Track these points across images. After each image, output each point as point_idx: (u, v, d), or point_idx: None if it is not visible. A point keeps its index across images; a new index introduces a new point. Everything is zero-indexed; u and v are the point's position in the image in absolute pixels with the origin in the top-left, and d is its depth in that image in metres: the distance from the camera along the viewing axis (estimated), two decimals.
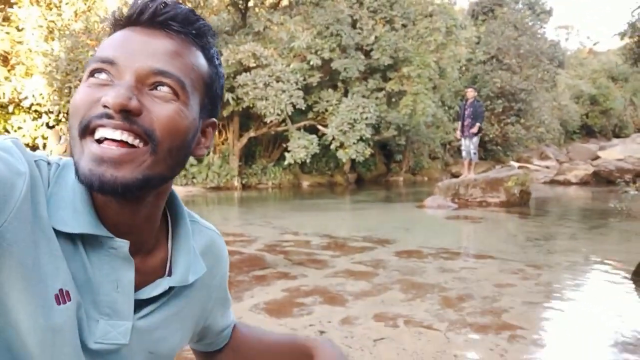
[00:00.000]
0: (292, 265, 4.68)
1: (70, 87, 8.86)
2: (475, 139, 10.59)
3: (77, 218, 0.59)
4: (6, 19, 9.66)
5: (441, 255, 5.11)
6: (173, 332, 0.71)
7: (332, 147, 12.51)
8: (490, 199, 10.07)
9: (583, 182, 15.59)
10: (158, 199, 0.65)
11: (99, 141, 0.55)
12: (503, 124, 20.27)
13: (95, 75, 0.57)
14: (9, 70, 9.39)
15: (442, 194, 10.45)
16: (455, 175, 18.96)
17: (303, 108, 12.04)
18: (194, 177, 13.29)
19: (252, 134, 13.72)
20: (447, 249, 5.49)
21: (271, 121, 11.88)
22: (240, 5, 13.40)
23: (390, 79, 13.77)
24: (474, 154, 10.64)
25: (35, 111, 10.27)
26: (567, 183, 15.89)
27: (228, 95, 12.09)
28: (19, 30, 9.66)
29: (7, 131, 9.94)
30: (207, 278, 0.75)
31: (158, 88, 0.57)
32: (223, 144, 14.10)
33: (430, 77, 13.66)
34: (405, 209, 9.54)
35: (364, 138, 12.19)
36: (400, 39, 13.13)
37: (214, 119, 0.69)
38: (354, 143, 12.08)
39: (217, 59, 0.67)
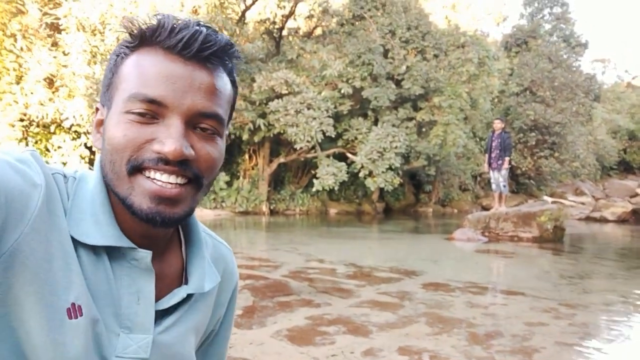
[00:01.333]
0: (317, 293, 4.62)
1: None
2: (504, 172, 10.38)
3: (100, 230, 0.59)
4: (54, 44, 10.17)
5: (470, 290, 4.96)
6: (189, 346, 0.70)
7: (361, 175, 12.49)
8: (522, 234, 9.79)
9: (621, 220, 15.00)
10: None
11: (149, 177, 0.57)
12: (536, 157, 19.87)
13: (137, 114, 0.57)
14: (53, 92, 9.82)
15: (472, 227, 10.23)
16: (486, 208, 18.59)
17: (333, 135, 12.11)
18: (223, 201, 13.44)
19: (282, 159, 13.85)
20: (476, 283, 5.33)
21: (301, 148, 11.99)
22: (274, 34, 13.74)
23: (421, 108, 13.76)
24: (504, 186, 10.42)
25: (75, 132, 10.67)
26: (603, 220, 15.32)
27: (259, 121, 12.30)
28: (65, 54, 10.15)
29: (47, 150, 10.35)
30: (214, 291, 0.74)
31: (203, 128, 0.59)
32: (253, 169, 14.26)
33: (461, 107, 13.59)
34: (433, 240, 9.37)
35: (393, 167, 12.13)
36: (431, 69, 13.15)
37: (227, 131, 0.69)
38: (382, 172, 12.03)
39: (236, 74, 0.68)
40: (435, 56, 13.59)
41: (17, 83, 9.78)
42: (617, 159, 29.95)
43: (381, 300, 4.39)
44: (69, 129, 10.34)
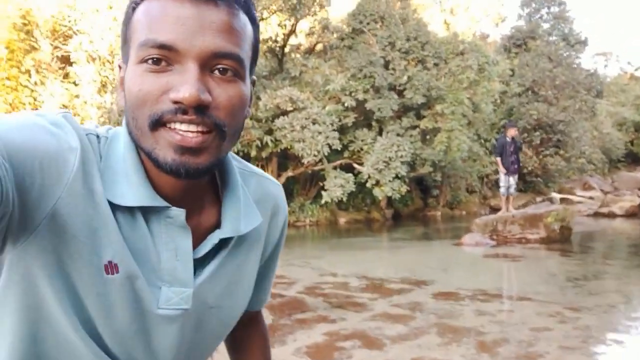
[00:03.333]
0: (332, 308, 4.86)
1: None
2: (516, 176, 10.67)
3: (133, 190, 0.60)
4: (66, 75, 10.56)
5: (478, 298, 5.18)
6: (235, 289, 0.72)
7: (368, 185, 12.72)
8: (530, 236, 9.96)
9: (629, 215, 15.09)
10: None
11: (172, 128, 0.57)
12: (542, 155, 20.00)
13: (150, 62, 0.56)
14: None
15: (480, 231, 10.41)
16: (494, 209, 18.71)
17: (339, 148, 12.37)
18: None
19: (290, 173, 14.12)
20: (485, 290, 5.54)
21: (308, 162, 12.24)
22: (277, 52, 14.07)
23: (424, 116, 14.00)
24: (514, 189, 10.69)
25: None
26: (611, 215, 15.41)
27: (267, 138, 12.59)
28: (76, 85, 10.54)
29: None
30: (262, 230, 0.75)
31: (221, 70, 0.58)
32: None
33: (464, 113, 13.81)
34: (442, 247, 9.57)
35: (399, 175, 12.36)
36: (432, 78, 13.41)
37: (254, 77, 0.69)
38: (389, 181, 12.26)
39: (255, 12, 0.65)
40: (436, 65, 13.84)
41: None
42: (624, 151, 29.90)
43: (394, 313, 4.61)
44: None
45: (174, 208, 0.62)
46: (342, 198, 12.42)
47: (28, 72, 10.07)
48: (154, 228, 0.62)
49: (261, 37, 10.52)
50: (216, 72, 0.58)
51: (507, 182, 10.57)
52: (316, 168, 13.81)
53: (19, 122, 0.55)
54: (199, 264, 0.66)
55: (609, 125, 29.54)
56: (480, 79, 13.87)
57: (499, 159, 10.77)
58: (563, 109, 19.91)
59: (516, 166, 10.49)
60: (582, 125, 20.73)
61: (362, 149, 13.42)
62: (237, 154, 13.38)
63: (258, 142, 12.65)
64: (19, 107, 9.97)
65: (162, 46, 0.56)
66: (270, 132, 12.74)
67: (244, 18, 0.61)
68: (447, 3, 29.50)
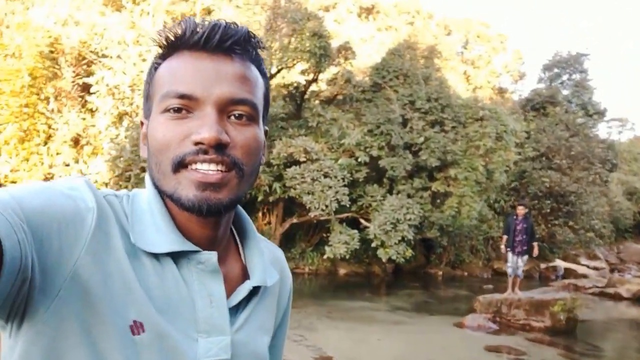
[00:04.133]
0: None
1: (130, 175, 9.45)
2: (526, 257, 10.37)
3: (162, 237, 0.61)
4: (84, 104, 10.53)
5: None
6: (262, 344, 0.72)
7: (373, 245, 12.50)
8: (534, 323, 9.67)
9: (636, 298, 14.71)
10: (232, 211, 0.69)
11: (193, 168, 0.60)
12: (550, 224, 19.74)
13: (172, 111, 0.61)
14: (77, 152, 10.12)
15: (483, 310, 10.14)
16: (497, 272, 18.37)
17: (348, 205, 12.19)
18: None
19: (294, 220, 13.93)
20: None
21: (315, 215, 12.06)
22: (296, 98, 14.06)
23: (436, 179, 13.85)
24: (522, 272, 10.39)
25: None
26: (618, 297, 15.00)
27: (276, 185, 12.45)
28: (92, 116, 10.50)
29: None
30: (275, 291, 0.77)
31: (237, 115, 0.62)
32: (265, 226, 14.35)
33: (477, 180, 13.64)
34: (443, 328, 9.24)
35: (405, 239, 12.13)
36: (449, 142, 13.30)
37: (266, 128, 0.72)
38: (395, 243, 12.03)
39: (264, 67, 0.70)
40: (454, 127, 13.76)
41: (45, 144, 10.12)
42: (632, 222, 29.57)
43: None
44: None
45: (205, 252, 0.64)
46: (345, 256, 12.17)
47: (47, 99, 10.05)
48: (185, 275, 0.63)
49: (283, 82, 10.53)
50: (232, 117, 0.62)
51: (515, 262, 10.31)
52: (322, 218, 13.62)
53: (35, 188, 0.56)
54: (232, 312, 0.67)
55: (620, 194, 29.29)
56: (497, 148, 13.74)
57: (505, 237, 10.55)
58: (576, 179, 19.72)
59: (525, 247, 10.21)
60: (593, 199, 20.51)
61: (370, 205, 13.24)
62: (245, 196, 13.22)
63: (267, 188, 12.50)
64: (33, 134, 9.91)
65: (182, 96, 0.61)
66: (280, 178, 12.61)
67: (255, 71, 0.67)
68: (468, 54, 29.81)
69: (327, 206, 11.61)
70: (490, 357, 7.56)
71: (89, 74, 10.59)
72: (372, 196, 13.30)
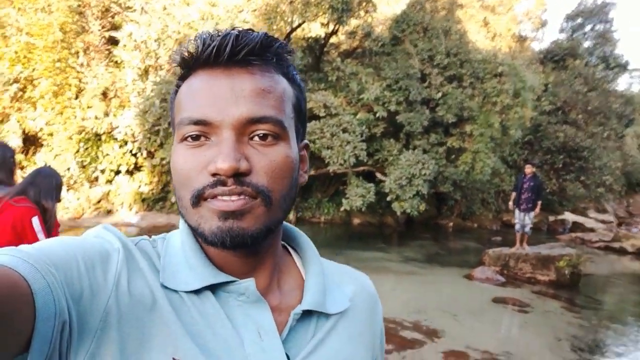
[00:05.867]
0: None
1: (159, 129, 9.85)
2: (532, 214, 10.75)
3: (195, 273, 0.59)
4: (110, 58, 10.78)
5: None
6: None
7: (389, 198, 12.94)
8: (540, 277, 10.22)
9: None
10: (273, 238, 0.65)
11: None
12: (562, 179, 20.01)
13: (190, 139, 0.57)
14: (107, 105, 10.49)
15: (491, 263, 10.69)
16: (506, 224, 18.88)
17: (364, 159, 12.54)
18: None
19: (312, 172, 14.36)
20: (493, 354, 5.85)
21: (334, 170, 12.46)
22: (315, 50, 14.09)
23: (452, 134, 14.08)
24: (530, 229, 10.81)
25: (122, 140, 11.37)
26: (622, 252, 15.52)
27: None
28: (118, 66, 10.77)
29: (97, 157, 11.10)
30: (365, 321, 0.72)
31: (261, 136, 0.57)
32: None
33: (492, 136, 13.85)
34: (453, 279, 9.83)
35: (420, 193, 12.56)
36: (466, 98, 13.41)
37: (306, 141, 0.68)
38: (410, 197, 12.47)
39: (296, 74, 0.65)
40: (471, 84, 13.82)
41: (76, 98, 10.48)
42: None
43: None
44: (117, 139, 11.07)
45: (241, 280, 0.60)
46: (361, 208, 12.67)
47: (77, 53, 10.30)
48: (228, 310, 0.59)
49: (303, 34, 10.53)
50: (256, 138, 0.57)
51: (522, 219, 10.71)
52: (339, 171, 14.04)
53: (59, 238, 0.55)
54: (293, 345, 0.61)
55: (634, 147, 29.16)
56: (514, 104, 13.84)
57: (513, 194, 10.91)
58: (591, 135, 19.75)
59: (530, 205, 10.57)
60: (607, 154, 20.61)
61: (386, 160, 13.59)
62: None
63: None
64: (65, 88, 10.24)
65: (197, 122, 0.56)
66: None
67: (281, 80, 0.61)
68: (489, 0, 28.86)
69: (345, 161, 11.99)
70: (497, 308, 8.16)
71: (114, 26, 10.77)
72: (388, 151, 13.62)
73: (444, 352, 5.74)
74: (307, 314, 0.64)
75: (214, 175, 0.55)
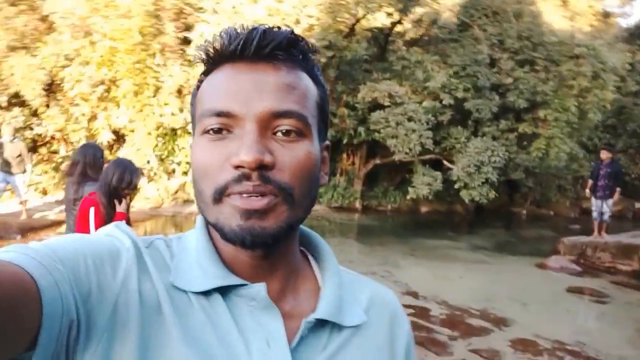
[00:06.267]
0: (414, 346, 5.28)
1: None
2: (611, 201, 10.18)
3: (205, 273, 0.58)
4: (185, 58, 11.44)
5: (557, 354, 5.36)
6: None
7: (456, 186, 12.74)
8: (621, 266, 9.68)
9: None
10: (290, 242, 0.63)
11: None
12: None
13: (211, 132, 0.56)
14: (182, 102, 11.17)
15: (567, 252, 10.26)
16: (586, 211, 17.88)
17: (431, 148, 12.42)
18: (320, 197, 14.38)
19: (377, 161, 14.42)
20: (564, 343, 5.69)
21: (399, 159, 12.46)
22: (380, 40, 14.07)
23: (523, 120, 13.55)
24: (609, 217, 10.26)
25: None
26: None
27: (360, 128, 12.89)
28: (191, 64, 11.39)
29: (173, 150, 11.90)
30: (383, 337, 0.67)
31: (284, 131, 0.56)
32: (349, 167, 15.00)
33: (568, 120, 13.18)
34: (524, 268, 9.56)
35: (489, 181, 12.26)
36: (540, 82, 12.85)
37: (327, 142, 0.67)
38: (478, 185, 12.21)
39: (320, 74, 0.64)
40: (545, 67, 13.20)
41: (154, 96, 11.26)
42: None
43: None
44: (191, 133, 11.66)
45: (252, 284, 0.59)
46: (428, 196, 12.58)
47: (154, 54, 11.05)
48: (237, 315, 0.58)
49: (368, 25, 10.54)
50: (279, 133, 0.56)
51: (599, 207, 10.18)
52: (405, 160, 13.98)
53: (69, 236, 0.56)
54: (303, 356, 0.59)
55: None
56: (593, 87, 13.06)
57: (590, 181, 10.38)
58: None
59: (607, 192, 10.00)
60: None
61: (454, 147, 13.36)
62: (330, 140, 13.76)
63: (351, 131, 13.00)
64: (144, 87, 11.03)
65: (220, 114, 0.56)
66: (364, 121, 13.02)
67: (305, 78, 0.60)
68: None
69: (410, 149, 11.95)
70: (571, 298, 7.85)
71: (187, 27, 11.40)
72: (455, 138, 13.38)
73: (512, 340, 5.67)
74: (321, 324, 0.62)
75: (237, 167, 0.54)
